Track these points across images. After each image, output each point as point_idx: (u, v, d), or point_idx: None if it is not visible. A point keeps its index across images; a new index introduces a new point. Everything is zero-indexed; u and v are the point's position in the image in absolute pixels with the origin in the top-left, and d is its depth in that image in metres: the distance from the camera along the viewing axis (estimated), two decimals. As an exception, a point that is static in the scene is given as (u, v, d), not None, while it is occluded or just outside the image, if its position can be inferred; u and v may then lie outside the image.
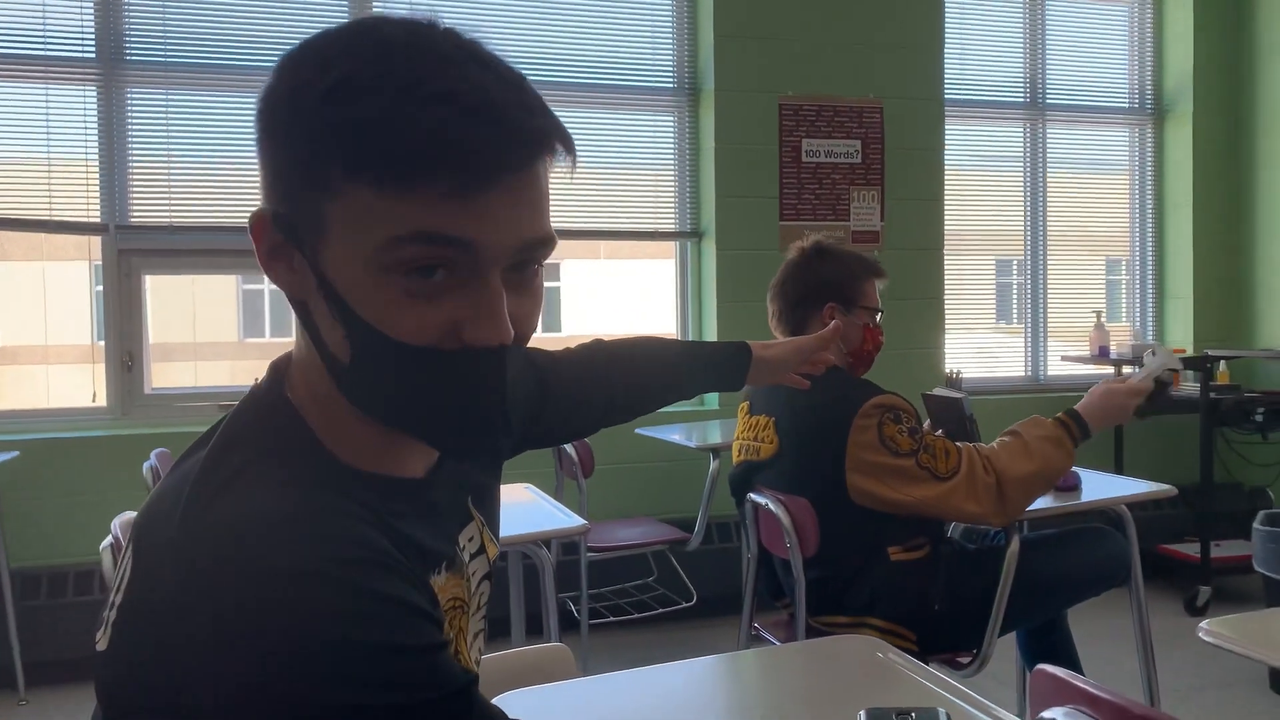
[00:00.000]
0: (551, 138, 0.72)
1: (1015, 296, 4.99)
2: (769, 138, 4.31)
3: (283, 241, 0.72)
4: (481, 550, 0.93)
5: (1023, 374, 4.91)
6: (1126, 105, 5.07)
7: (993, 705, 1.15)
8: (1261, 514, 3.59)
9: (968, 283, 4.83)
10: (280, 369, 0.80)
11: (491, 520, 0.98)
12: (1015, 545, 2.30)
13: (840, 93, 4.39)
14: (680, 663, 1.33)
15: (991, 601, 2.28)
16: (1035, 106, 4.88)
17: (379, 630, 0.65)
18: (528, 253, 0.72)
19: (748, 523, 2.55)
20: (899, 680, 1.23)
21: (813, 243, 2.56)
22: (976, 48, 4.79)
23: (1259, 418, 4.27)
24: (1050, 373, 4.92)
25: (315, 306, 0.72)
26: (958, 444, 2.28)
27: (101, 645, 0.73)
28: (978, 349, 4.94)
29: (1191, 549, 4.31)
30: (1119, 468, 4.58)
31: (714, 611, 3.81)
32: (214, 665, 0.63)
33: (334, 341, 0.72)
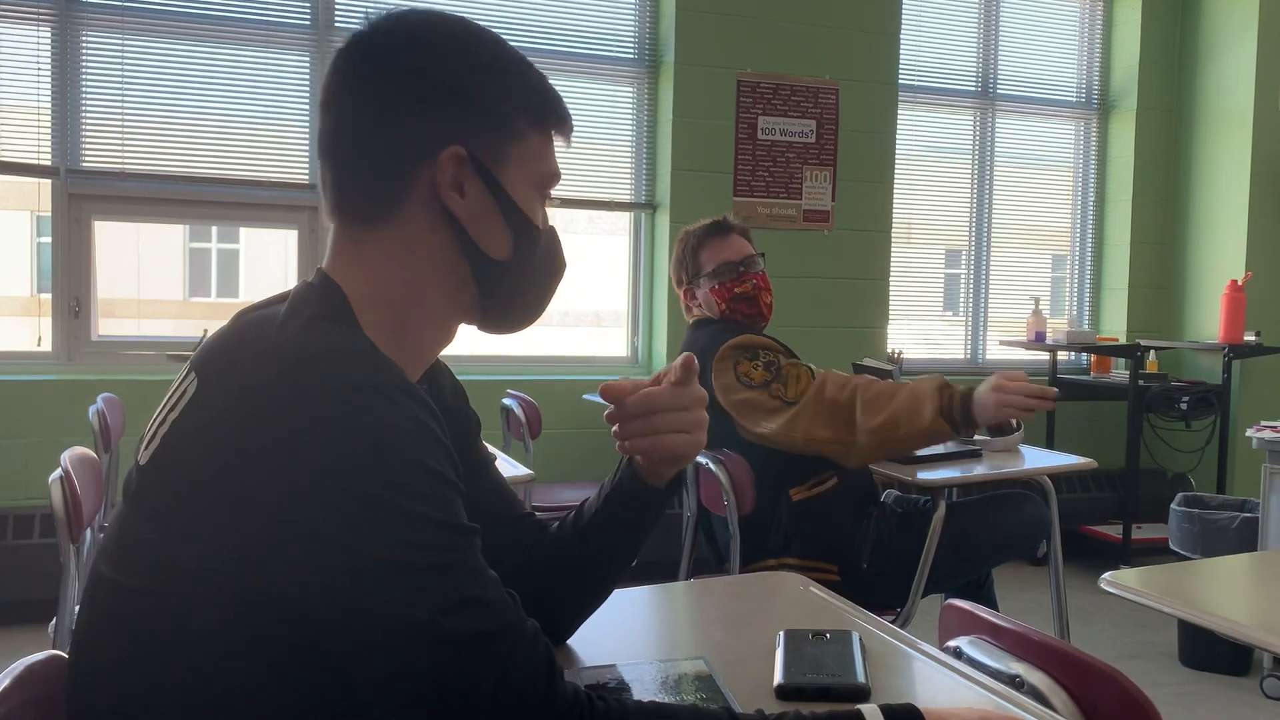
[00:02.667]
0: None
1: (962, 287, 5.11)
2: (726, 113, 4.38)
3: (460, 173, 0.90)
4: None
5: (963, 357, 5.05)
6: (1074, 99, 5.21)
7: (903, 633, 1.23)
8: (1179, 495, 3.75)
9: (917, 271, 4.94)
10: (331, 285, 0.90)
11: None
12: (942, 509, 2.40)
13: (797, 72, 4.47)
14: (615, 591, 1.40)
15: (917, 562, 2.38)
16: (986, 96, 5.00)
17: (424, 451, 0.77)
18: None
19: (687, 483, 2.63)
20: (818, 608, 1.31)
21: (687, 229, 2.68)
22: (931, 35, 4.89)
23: (1183, 406, 4.44)
24: (989, 356, 5.06)
25: (481, 223, 0.92)
26: (818, 370, 2.37)
27: (144, 458, 0.80)
28: (923, 335, 5.06)
29: (1114, 530, 4.49)
30: (1050, 449, 4.74)
31: (655, 576, 3.86)
32: (286, 470, 0.73)
33: (497, 245, 0.94)
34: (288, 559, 0.72)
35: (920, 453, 2.59)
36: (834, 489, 2.41)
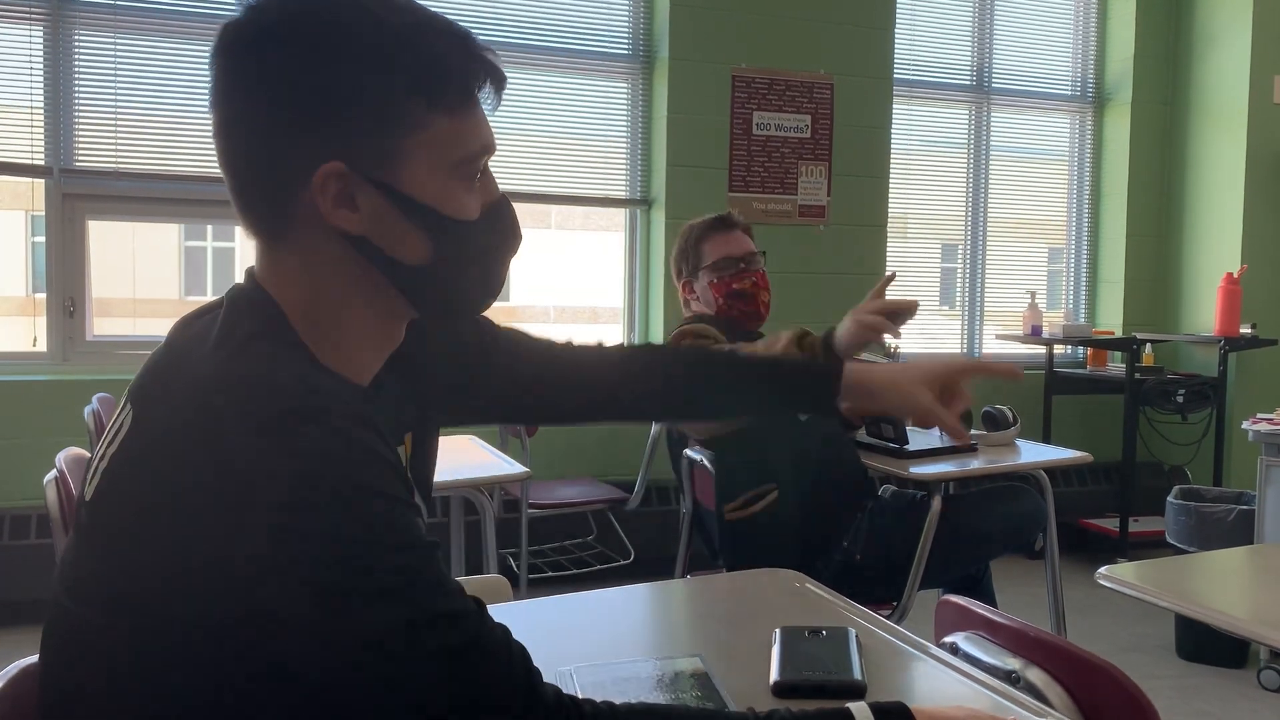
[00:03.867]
0: None
1: (958, 281, 5.11)
2: (721, 109, 4.37)
3: (344, 189, 0.82)
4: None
5: (959, 350, 5.05)
6: (1069, 93, 5.20)
7: (900, 629, 1.23)
8: (1176, 488, 3.75)
9: (914, 265, 4.94)
10: (259, 293, 0.86)
11: (422, 475, 1.05)
12: (938, 503, 2.40)
13: (792, 67, 4.46)
14: (613, 589, 1.40)
15: (913, 555, 2.38)
16: (981, 90, 5.00)
17: (366, 475, 0.74)
18: None
19: (684, 478, 2.63)
20: (815, 605, 1.31)
21: (690, 223, 2.66)
22: (926, 29, 4.88)
23: (1180, 399, 4.45)
24: (985, 350, 5.06)
25: (387, 231, 0.84)
26: None
27: (89, 493, 0.78)
28: (919, 329, 5.05)
29: (1111, 523, 4.49)
30: (1047, 443, 4.74)
31: (651, 571, 3.85)
32: (227, 506, 0.71)
33: (410, 250, 0.85)
34: (237, 592, 0.70)
35: (915, 447, 2.59)
36: (773, 506, 2.36)
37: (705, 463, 2.45)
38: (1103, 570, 1.57)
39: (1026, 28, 5.10)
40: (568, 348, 1.25)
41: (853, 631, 1.15)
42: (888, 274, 1.70)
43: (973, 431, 2.84)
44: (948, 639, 1.25)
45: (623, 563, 3.85)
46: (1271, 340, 4.57)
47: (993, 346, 5.04)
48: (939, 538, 2.41)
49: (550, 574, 3.77)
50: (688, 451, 2.57)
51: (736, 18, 4.35)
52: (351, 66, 0.81)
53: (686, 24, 4.29)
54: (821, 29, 4.48)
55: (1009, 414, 2.78)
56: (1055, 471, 4.86)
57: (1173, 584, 1.63)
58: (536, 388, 1.22)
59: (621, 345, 1.29)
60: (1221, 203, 4.87)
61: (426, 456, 1.06)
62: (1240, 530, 3.47)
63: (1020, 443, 2.79)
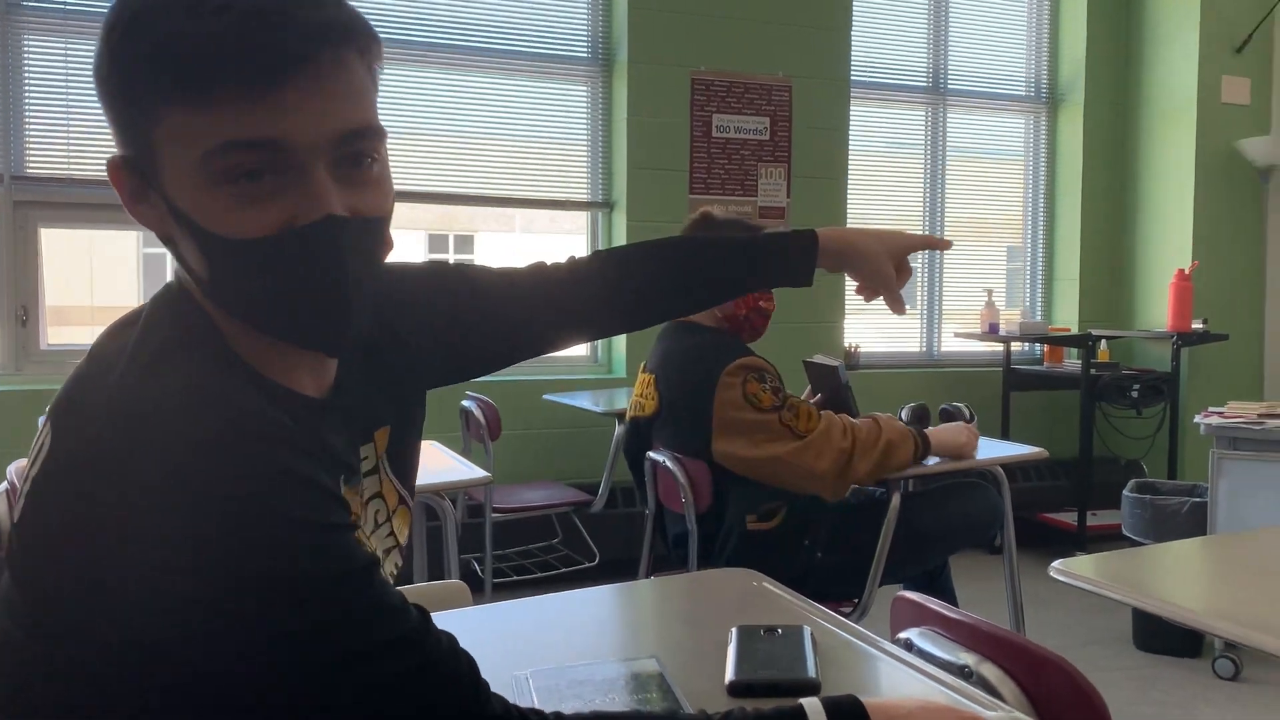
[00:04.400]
0: (343, 27, 0.75)
1: (917, 280, 5.15)
2: (680, 111, 4.39)
3: (139, 182, 0.77)
4: (375, 470, 0.97)
5: (918, 350, 5.10)
6: (1023, 93, 5.27)
7: (855, 626, 1.25)
8: (1131, 482, 3.81)
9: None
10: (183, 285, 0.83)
11: (402, 465, 1.01)
12: (897, 500, 2.43)
13: (751, 70, 4.49)
14: (573, 591, 1.41)
15: (873, 552, 2.41)
16: (937, 91, 5.05)
17: (284, 503, 0.69)
18: (351, 144, 0.75)
19: (646, 480, 2.64)
20: (772, 604, 1.32)
21: (701, 213, 2.63)
22: (882, 31, 4.93)
23: (1134, 394, 4.52)
24: (944, 349, 5.11)
25: (175, 235, 0.77)
26: (822, 412, 2.38)
27: (14, 517, 0.76)
28: (879, 328, 5.10)
29: (1070, 518, 4.56)
30: (1005, 439, 4.80)
31: (616, 573, 3.87)
32: (125, 530, 0.67)
33: (196, 262, 0.77)
34: (148, 627, 0.67)
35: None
36: (784, 522, 2.41)
37: (668, 463, 2.46)
38: (1056, 564, 1.59)
39: (981, 30, 5.16)
40: (548, 270, 1.21)
41: (808, 630, 1.16)
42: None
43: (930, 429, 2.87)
44: (902, 635, 1.26)
45: (588, 565, 3.85)
46: (1223, 335, 4.66)
47: (951, 345, 5.10)
48: (898, 535, 2.44)
49: (515, 578, 3.77)
50: (650, 453, 2.58)
51: (695, 21, 4.37)
52: (118, 47, 0.74)
53: (645, 27, 4.31)
54: (779, 32, 4.51)
55: (965, 410, 2.81)
56: (1013, 467, 4.94)
57: (1126, 577, 1.65)
58: (533, 322, 1.18)
59: (594, 253, 1.26)
60: (1172, 200, 4.96)
61: (406, 451, 1.02)
62: (1194, 522, 3.53)
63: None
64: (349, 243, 0.75)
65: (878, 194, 4.99)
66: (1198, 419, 3.42)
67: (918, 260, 5.12)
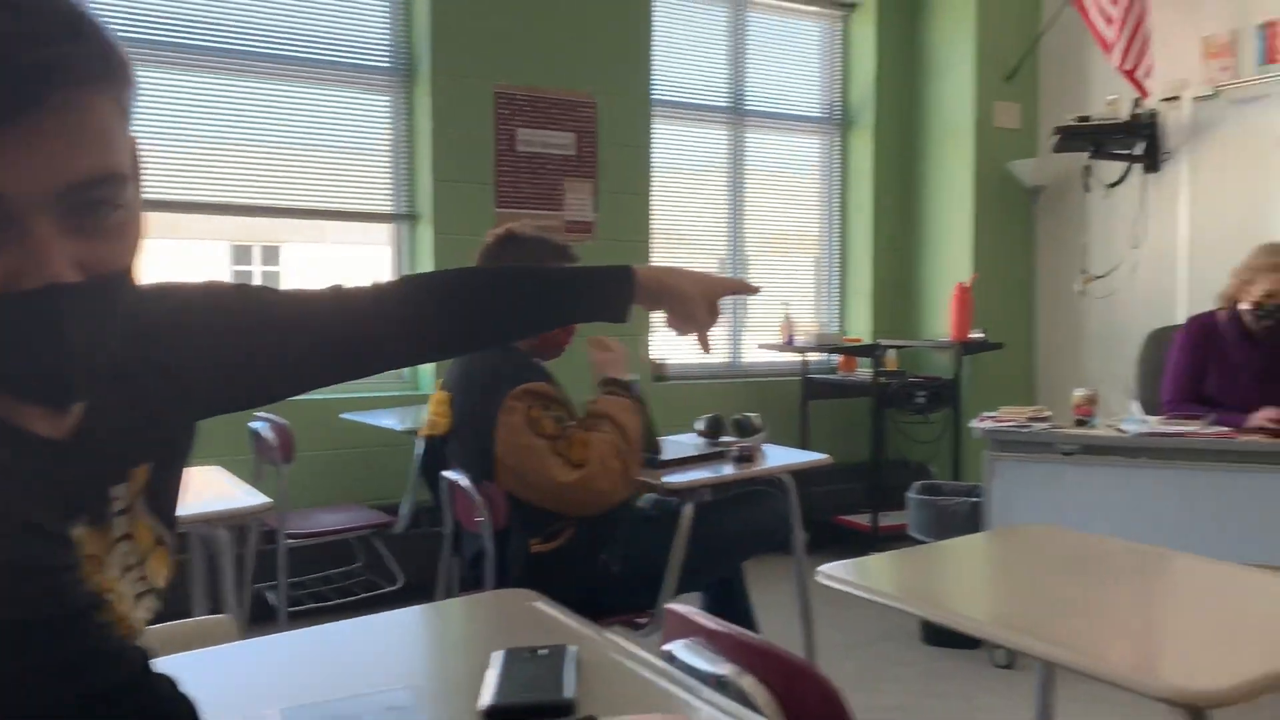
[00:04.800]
0: (77, 65, 0.68)
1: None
2: (485, 125, 4.36)
3: None
4: (127, 510, 0.91)
5: (724, 361, 5.24)
6: (818, 115, 5.51)
7: (625, 643, 1.26)
8: (916, 484, 4.03)
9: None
10: None
11: (164, 504, 0.95)
12: (689, 511, 2.48)
13: (555, 85, 4.51)
14: (341, 622, 1.37)
15: (666, 563, 2.45)
16: (737, 112, 5.22)
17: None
18: (84, 193, 0.69)
19: (443, 499, 2.60)
20: (546, 625, 1.33)
21: (505, 229, 2.62)
22: (684, 53, 5.06)
23: (921, 400, 4.79)
24: (747, 360, 5.28)
25: None
26: (592, 435, 2.38)
27: None
28: (685, 342, 5.20)
29: (864, 519, 4.78)
30: (803, 448, 4.99)
31: (421, 595, 3.80)
32: None
33: None
34: None
35: (668, 457, 2.67)
36: (573, 539, 2.41)
37: (462, 483, 2.43)
38: (821, 568, 1.66)
39: (778, 54, 5.37)
40: (347, 294, 1.15)
41: (573, 649, 1.17)
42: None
43: (723, 438, 2.96)
44: (666, 647, 1.29)
45: (390, 589, 3.75)
46: (999, 344, 4.99)
47: (754, 355, 5.27)
48: (691, 545, 2.49)
49: (313, 606, 3.64)
50: (446, 473, 2.54)
51: (497, 35, 4.36)
52: None
53: (447, 39, 4.26)
54: (582, 49, 4.56)
55: (755, 421, 2.91)
56: (811, 472, 5.14)
57: (888, 577, 1.74)
58: (329, 350, 1.11)
59: (403, 278, 1.20)
60: (954, 218, 5.30)
61: (169, 489, 0.95)
62: (973, 520, 3.77)
63: (767, 448, 2.92)
64: (75, 311, 0.69)
65: (683, 209, 5.11)
66: (973, 423, 3.66)
67: (719, 272, 5.27)
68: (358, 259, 4.71)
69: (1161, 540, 3.28)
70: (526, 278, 1.27)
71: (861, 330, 5.49)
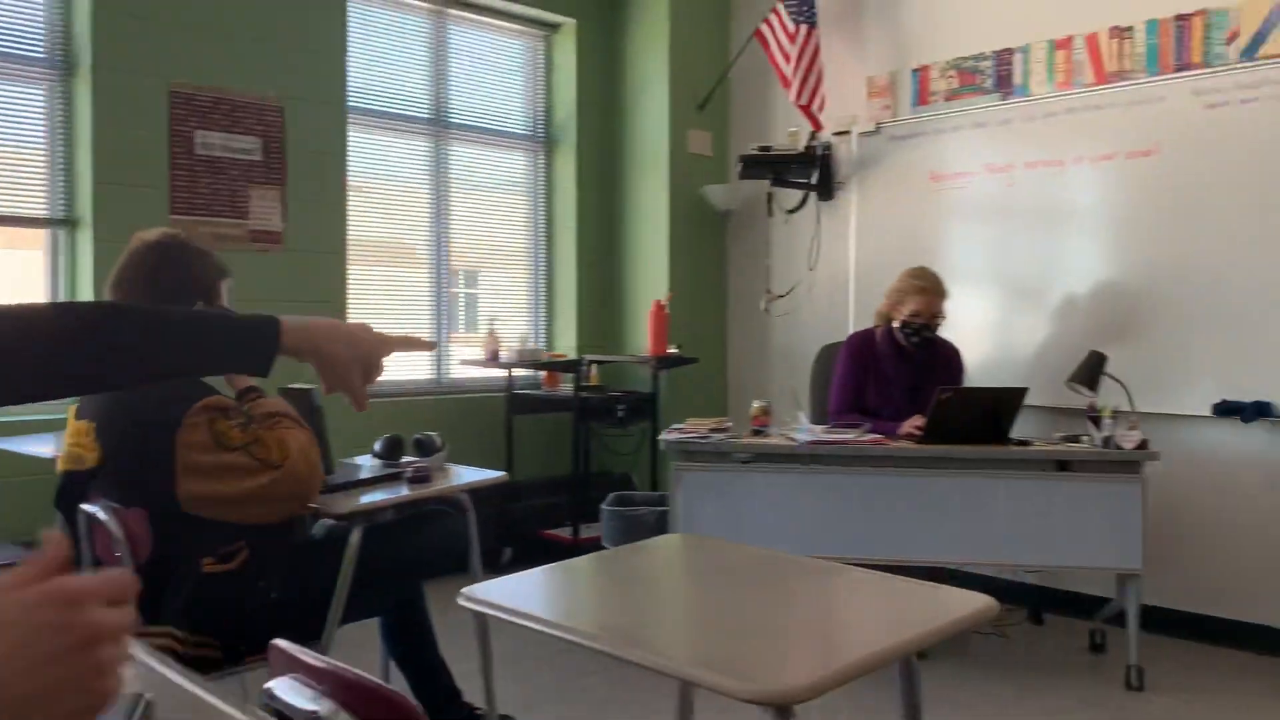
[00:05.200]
0: None
1: (428, 309, 5.18)
2: (158, 125, 4.06)
3: None
4: None
5: (429, 377, 5.15)
6: (523, 132, 5.55)
7: (202, 688, 1.18)
8: (610, 496, 4.13)
9: (383, 293, 4.95)
10: None
11: None
12: (357, 535, 2.40)
13: (239, 87, 4.27)
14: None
15: (334, 589, 2.36)
16: (440, 124, 5.15)
17: None
18: None
19: (80, 535, 2.37)
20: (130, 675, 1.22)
21: (171, 235, 2.45)
22: (383, 60, 4.94)
23: (621, 413, 4.92)
24: (453, 376, 5.21)
25: None
26: (283, 431, 2.32)
27: None
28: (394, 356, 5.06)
29: (567, 532, 4.84)
30: (510, 464, 5.00)
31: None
32: None
33: None
34: None
35: (339, 480, 2.58)
36: (246, 562, 2.30)
37: (100, 515, 2.23)
38: (464, 591, 1.65)
39: (481, 69, 5.36)
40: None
41: (145, 696, 1.08)
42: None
43: (405, 459, 2.89)
44: (267, 685, 1.23)
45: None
46: (694, 358, 5.22)
47: (460, 372, 5.22)
48: (363, 571, 2.41)
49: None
50: (85, 506, 2.32)
51: (172, 30, 4.07)
52: None
53: (113, 32, 3.93)
54: (269, 51, 4.35)
55: (437, 440, 2.87)
56: (517, 487, 5.16)
57: (526, 595, 1.75)
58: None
59: (52, 304, 1.13)
60: (651, 238, 5.49)
61: None
62: (661, 528, 3.91)
63: (450, 466, 2.88)
64: None
65: (383, 220, 4.98)
66: (662, 436, 3.79)
67: (425, 287, 5.17)
68: (6, 267, 4.23)
69: (827, 539, 3.54)
70: (175, 324, 1.23)
71: (567, 345, 5.57)
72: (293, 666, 1.24)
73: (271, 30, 4.34)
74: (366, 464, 2.89)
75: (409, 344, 1.40)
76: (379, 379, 1.33)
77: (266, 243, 4.36)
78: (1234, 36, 3.91)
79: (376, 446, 2.88)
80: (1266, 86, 3.83)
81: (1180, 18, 4.05)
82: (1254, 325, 3.84)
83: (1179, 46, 4.06)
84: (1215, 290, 3.93)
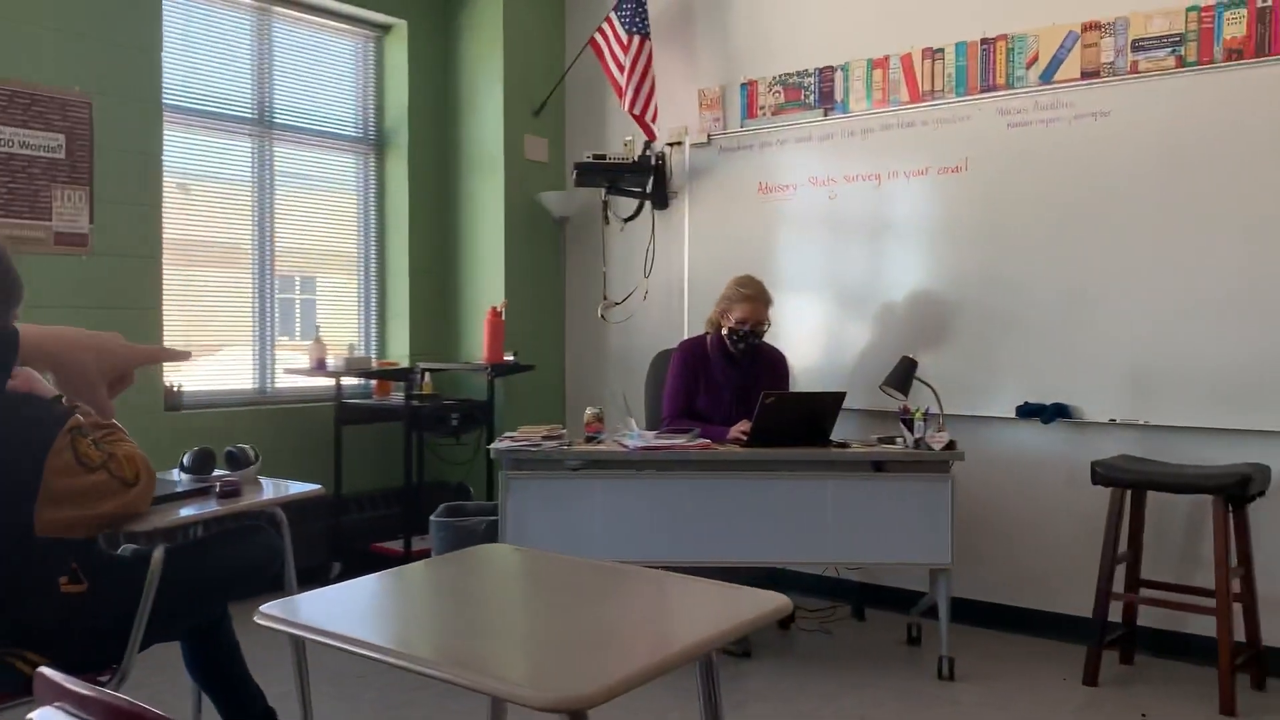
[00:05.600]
0: None
1: (251, 316, 4.98)
2: (-55, 118, 3.78)
3: None
4: None
5: (251, 386, 4.96)
6: (353, 134, 5.42)
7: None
8: (440, 506, 4.07)
9: (205, 299, 4.73)
10: None
11: None
12: (160, 553, 2.29)
13: (40, 80, 4.01)
14: None
15: (134, 612, 2.24)
16: (263, 124, 4.97)
17: None
18: None
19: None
20: None
21: None
22: (202, 58, 4.73)
23: (454, 422, 4.85)
24: (278, 385, 5.03)
25: None
26: (129, 444, 2.29)
27: None
28: (209, 366, 4.85)
29: (399, 545, 4.74)
30: (338, 475, 4.86)
31: None
32: None
33: None
34: None
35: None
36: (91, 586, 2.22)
37: None
38: (262, 609, 1.59)
39: (309, 69, 5.20)
40: None
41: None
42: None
43: (216, 472, 2.78)
44: (31, 716, 1.16)
45: None
46: (530, 366, 5.20)
47: (286, 381, 5.04)
48: (167, 591, 2.30)
49: None
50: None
51: (-39, 16, 3.80)
52: None
53: (-109, 14, 3.64)
54: (74, 43, 4.10)
55: (250, 452, 2.76)
56: (351, 500, 5.03)
57: (324, 610, 1.71)
58: None
59: None
60: (487, 244, 5.45)
61: None
62: (491, 538, 3.87)
63: (262, 480, 2.78)
64: None
65: (205, 223, 4.77)
66: (493, 444, 3.76)
67: (247, 289, 4.97)
68: None
69: (658, 544, 3.59)
70: None
71: (400, 354, 5.46)
72: (60, 696, 1.18)
73: (77, 21, 4.10)
74: (175, 479, 2.76)
75: (161, 355, 1.42)
76: (129, 388, 1.31)
77: (72, 245, 4.11)
78: (1034, 60, 4.18)
79: (185, 460, 2.75)
80: (1062, 108, 4.10)
81: (985, 41, 4.30)
82: (1054, 332, 4.10)
83: (985, 68, 4.31)
84: (1018, 299, 4.19)
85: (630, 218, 5.29)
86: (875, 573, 4.55)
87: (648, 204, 5.25)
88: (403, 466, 4.84)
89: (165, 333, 4.39)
